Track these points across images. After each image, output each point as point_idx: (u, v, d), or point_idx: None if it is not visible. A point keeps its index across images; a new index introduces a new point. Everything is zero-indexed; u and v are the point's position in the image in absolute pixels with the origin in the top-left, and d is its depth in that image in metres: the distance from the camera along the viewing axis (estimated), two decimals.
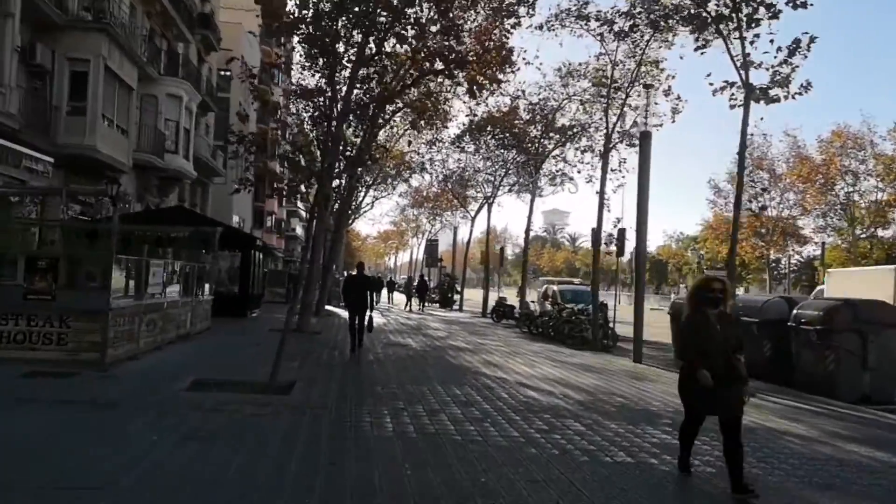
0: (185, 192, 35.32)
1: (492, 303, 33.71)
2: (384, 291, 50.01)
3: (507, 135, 31.14)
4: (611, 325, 20.12)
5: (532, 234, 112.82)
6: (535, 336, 22.21)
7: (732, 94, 12.94)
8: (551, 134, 27.97)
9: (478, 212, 37.96)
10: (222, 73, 43.14)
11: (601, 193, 18.91)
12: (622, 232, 20.14)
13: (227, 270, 23.54)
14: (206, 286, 16.95)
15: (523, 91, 26.70)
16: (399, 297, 50.82)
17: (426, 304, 37.01)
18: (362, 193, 45.33)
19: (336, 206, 24.36)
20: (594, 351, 18.12)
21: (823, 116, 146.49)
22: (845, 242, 47.11)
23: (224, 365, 11.74)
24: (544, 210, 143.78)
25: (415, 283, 36.12)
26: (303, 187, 26.46)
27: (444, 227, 55.52)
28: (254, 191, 57.17)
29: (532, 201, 26.02)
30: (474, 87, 19.69)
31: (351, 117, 21.81)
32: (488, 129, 32.94)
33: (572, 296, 27.72)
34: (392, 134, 41.63)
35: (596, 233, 18.88)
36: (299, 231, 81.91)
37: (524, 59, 21.72)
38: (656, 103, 19.62)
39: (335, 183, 22.79)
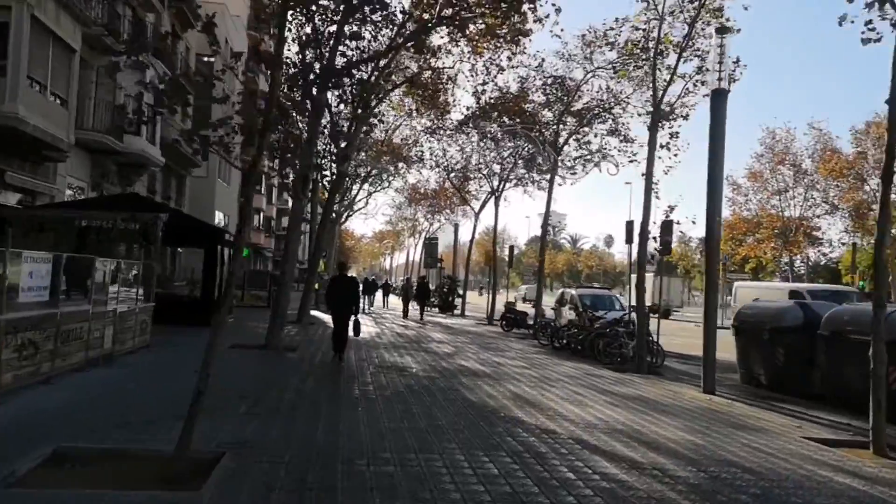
0: (157, 184, 31.22)
1: (499, 308, 29.78)
2: (379, 295, 45.87)
3: (517, 119, 27.27)
4: (654, 338, 16.18)
5: (531, 235, 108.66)
6: (559, 351, 18.25)
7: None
8: (567, 118, 24.06)
9: (482, 207, 34.03)
10: (206, 59, 39.09)
11: (648, 176, 14.94)
12: (667, 225, 16.19)
13: (190, 271, 19.46)
14: (146, 289, 12.92)
15: (542, 61, 22.72)
16: (395, 301, 46.71)
17: (426, 309, 32.52)
18: (356, 188, 41.49)
19: (322, 190, 20.33)
20: (640, 373, 14.17)
21: (853, 107, 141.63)
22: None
23: (130, 411, 7.69)
24: (540, 212, 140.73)
25: (414, 286, 31.83)
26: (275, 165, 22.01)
27: (444, 225, 51.62)
28: (240, 186, 53.45)
29: (550, 191, 22.13)
30: (485, 44, 15.77)
31: (339, 89, 17.88)
32: (495, 115, 29.13)
33: (594, 302, 23.87)
34: (390, 124, 37.87)
35: (643, 226, 14.90)
36: None
37: (541, 17, 17.65)
38: (706, 70, 15.64)
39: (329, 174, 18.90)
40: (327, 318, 25.55)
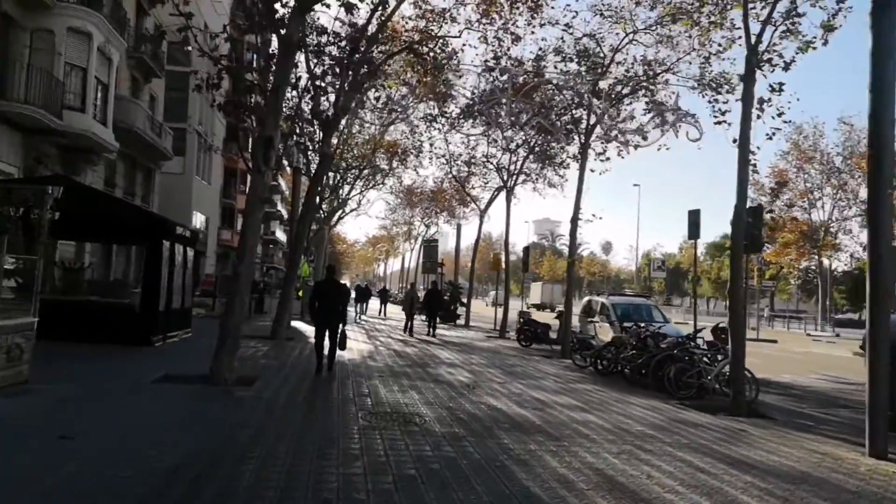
0: (117, 176, 26.78)
1: (511, 318, 25.46)
2: (374, 303, 41.42)
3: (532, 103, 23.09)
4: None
5: (529, 241, 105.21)
6: (606, 377, 13.94)
7: None
8: (597, 102, 19.79)
9: (489, 202, 29.72)
10: (188, 50, 34.74)
11: (742, 141, 10.63)
12: (756, 210, 11.95)
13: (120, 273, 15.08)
14: (24, 297, 8.56)
15: (567, 27, 18.43)
16: (393, 309, 42.29)
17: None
18: (347, 187, 37.13)
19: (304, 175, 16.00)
20: (740, 416, 9.90)
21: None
22: None
23: None
24: (535, 220, 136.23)
25: (419, 295, 26.30)
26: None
27: (440, 229, 47.33)
28: (222, 186, 48.94)
29: (581, 177, 17.79)
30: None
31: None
32: (504, 101, 24.94)
33: (630, 311, 19.63)
34: (384, 119, 33.59)
35: (738, 212, 10.54)
36: (280, 235, 73.28)
37: None
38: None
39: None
40: (310, 330, 21.19)
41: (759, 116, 11.22)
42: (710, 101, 13.95)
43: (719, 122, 12.52)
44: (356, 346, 17.14)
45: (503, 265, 27.26)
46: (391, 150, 33.26)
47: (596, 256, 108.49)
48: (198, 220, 40.32)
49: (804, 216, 41.69)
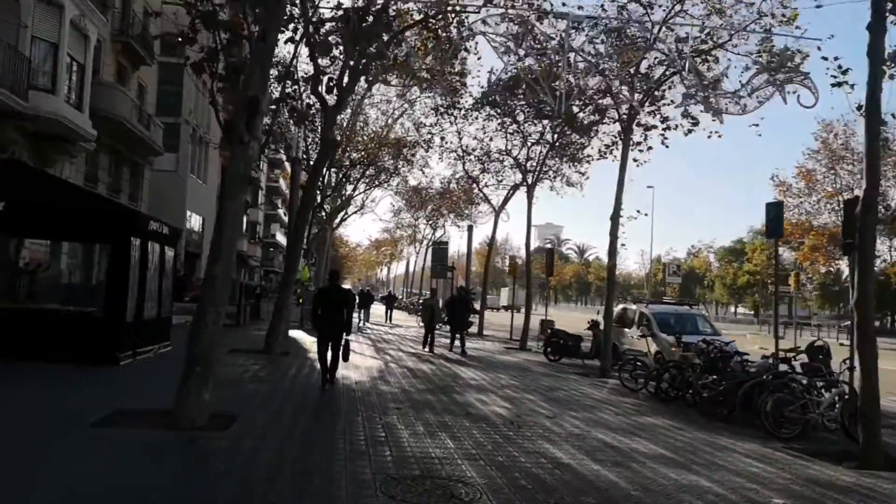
0: (99, 170, 24.21)
1: (533, 326, 22.90)
2: (379, 308, 38.83)
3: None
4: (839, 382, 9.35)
5: (535, 245, 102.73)
6: (669, 403, 11.38)
7: None
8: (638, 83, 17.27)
9: (506, 199, 27.15)
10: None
11: (871, 110, 8.10)
12: (850, 204, 9.36)
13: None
14: None
15: None
16: (398, 315, 39.72)
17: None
18: (349, 187, 34.61)
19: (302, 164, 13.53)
20: (869, 465, 7.36)
21: None
22: None
23: None
24: (537, 224, 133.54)
25: (441, 303, 21.84)
26: None
27: (449, 230, 44.76)
28: (220, 185, 46.44)
29: (623, 166, 15.16)
30: None
31: None
32: (522, 88, 22.48)
33: (673, 323, 17.15)
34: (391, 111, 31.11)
35: (867, 203, 7.92)
36: (280, 238, 70.70)
37: None
38: None
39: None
40: (310, 341, 18.64)
41: (893, 76, 8.63)
42: (823, 58, 11.13)
43: (838, 84, 9.95)
44: (363, 361, 14.58)
45: (518, 269, 24.66)
46: (398, 146, 30.74)
47: (601, 261, 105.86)
48: (193, 220, 37.79)
49: (832, 218, 39.03)
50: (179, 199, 35.15)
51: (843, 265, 50.84)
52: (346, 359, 10.56)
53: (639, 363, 13.22)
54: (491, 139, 25.66)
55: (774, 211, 11.39)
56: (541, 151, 23.89)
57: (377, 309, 38.68)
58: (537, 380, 13.71)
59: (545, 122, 23.44)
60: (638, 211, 16.01)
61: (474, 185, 28.82)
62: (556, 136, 23.08)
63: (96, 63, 22.89)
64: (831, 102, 79.00)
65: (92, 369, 10.49)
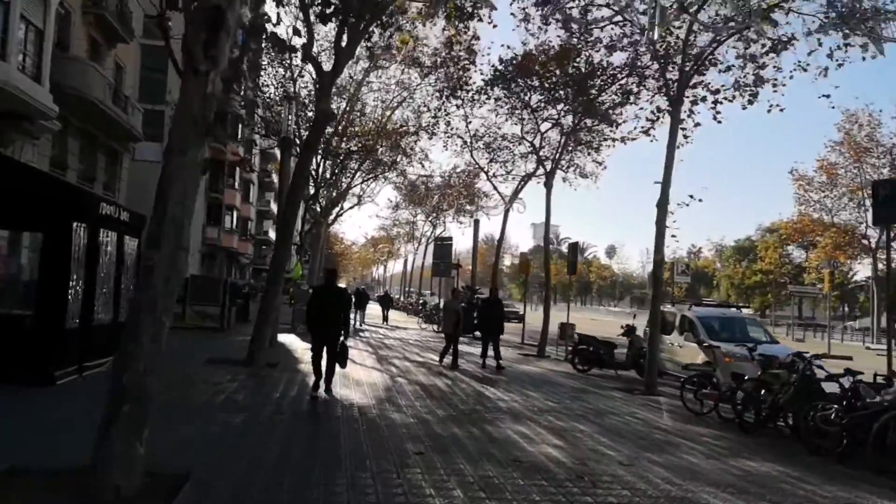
0: (68, 155, 21.57)
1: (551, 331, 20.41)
2: (375, 309, 36.33)
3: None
4: None
5: (533, 245, 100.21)
6: (748, 432, 8.94)
7: None
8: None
9: (516, 192, 24.65)
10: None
11: None
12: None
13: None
14: None
15: None
16: (395, 316, 37.28)
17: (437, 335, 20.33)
18: (345, 180, 32.00)
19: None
20: None
21: None
22: None
23: None
24: (534, 223, 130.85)
25: (461, 305, 16.59)
26: None
27: (449, 227, 42.25)
28: (208, 178, 43.72)
29: (672, 143, 12.63)
30: None
31: None
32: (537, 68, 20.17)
33: (721, 329, 14.81)
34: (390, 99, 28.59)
35: None
36: (273, 235, 68.00)
37: None
38: None
39: None
40: (302, 347, 16.16)
41: None
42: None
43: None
44: (365, 375, 12.10)
45: (548, 268, 22.18)
46: (394, 137, 28.18)
47: (598, 259, 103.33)
48: None
49: (854, 215, 36.85)
50: None
51: (856, 265, 48.61)
52: (342, 365, 9.87)
53: (703, 379, 10.72)
54: (500, 126, 23.28)
55: (891, 188, 8.91)
56: (559, 137, 21.45)
57: (373, 309, 36.25)
58: (577, 399, 11.23)
59: (560, 106, 21.12)
60: (691, 196, 13.43)
61: (482, 176, 26.36)
62: (576, 119, 20.65)
63: (64, 36, 20.37)
64: (855, 91, 75.39)
65: (18, 391, 7.99)
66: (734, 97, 13.30)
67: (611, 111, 20.23)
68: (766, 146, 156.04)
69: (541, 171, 22.99)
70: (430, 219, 44.39)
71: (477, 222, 29.04)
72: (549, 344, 20.10)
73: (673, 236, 13.60)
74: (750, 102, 12.98)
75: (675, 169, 13.03)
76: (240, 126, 41.02)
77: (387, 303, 35.54)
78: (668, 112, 13.35)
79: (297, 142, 17.63)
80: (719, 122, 13.94)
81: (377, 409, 8.90)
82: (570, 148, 22.16)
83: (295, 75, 18.85)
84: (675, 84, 13.15)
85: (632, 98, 17.53)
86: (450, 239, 29.94)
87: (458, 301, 15.65)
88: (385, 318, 33.18)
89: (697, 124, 14.22)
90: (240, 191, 47.64)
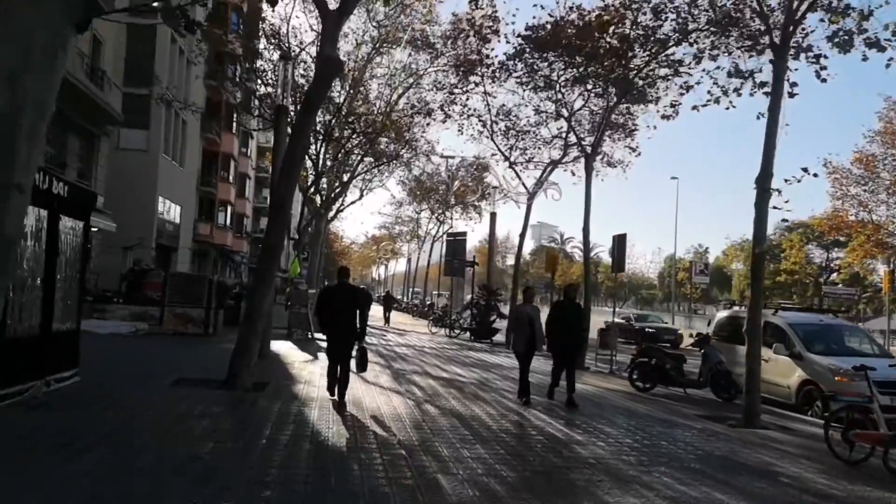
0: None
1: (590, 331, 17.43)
2: (377, 310, 33.38)
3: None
4: None
5: (536, 245, 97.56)
6: None
7: None
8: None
9: (539, 182, 21.70)
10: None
11: None
12: None
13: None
14: None
15: None
16: (398, 318, 34.39)
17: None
18: (346, 175, 28.99)
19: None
20: None
21: None
22: None
23: None
24: (532, 224, 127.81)
25: (530, 305, 10.89)
26: None
27: (456, 224, 39.26)
28: (200, 171, 40.69)
29: (775, 107, 9.79)
30: None
31: None
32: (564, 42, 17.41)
33: (818, 339, 11.99)
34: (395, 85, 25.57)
35: None
36: None
37: None
38: None
39: None
40: (300, 360, 13.18)
41: None
42: None
43: None
44: (383, 400, 9.12)
45: (588, 267, 19.25)
46: (402, 123, 25.26)
47: (602, 259, 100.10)
48: (166, 208, 32.16)
49: (894, 210, 33.86)
50: (150, 183, 29.56)
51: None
52: (362, 369, 9.66)
53: (855, 413, 7.73)
54: (526, 104, 20.37)
55: None
56: (603, 112, 18.48)
57: (374, 310, 33.44)
58: (670, 438, 8.22)
59: (588, 86, 18.34)
60: (804, 170, 10.35)
61: (490, 169, 23.44)
62: (617, 94, 17.76)
63: None
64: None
65: None
66: (849, 50, 10.33)
67: (653, 86, 17.45)
68: (783, 140, 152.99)
69: (570, 156, 20.11)
70: (436, 215, 41.42)
71: (493, 215, 26.05)
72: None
73: (784, 220, 10.61)
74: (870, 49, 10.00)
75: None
76: (234, 115, 38.09)
77: (389, 303, 32.97)
78: (770, 62, 10.34)
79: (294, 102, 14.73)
80: (823, 80, 10.97)
81: (412, 466, 5.90)
82: (607, 132, 19.37)
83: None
84: (780, 29, 10.19)
85: (694, 62, 14.54)
86: (464, 234, 26.98)
87: (532, 306, 10.65)
88: (386, 320, 31.18)
89: (794, 84, 11.17)
90: (234, 185, 44.57)
